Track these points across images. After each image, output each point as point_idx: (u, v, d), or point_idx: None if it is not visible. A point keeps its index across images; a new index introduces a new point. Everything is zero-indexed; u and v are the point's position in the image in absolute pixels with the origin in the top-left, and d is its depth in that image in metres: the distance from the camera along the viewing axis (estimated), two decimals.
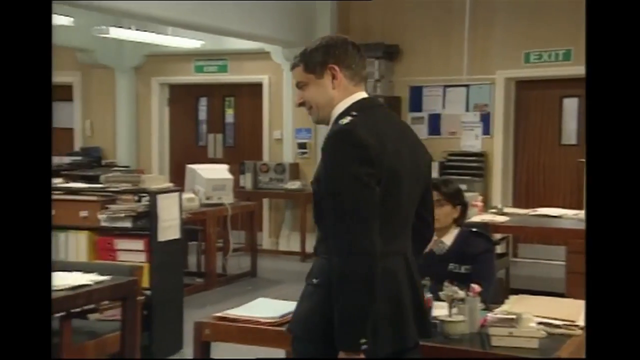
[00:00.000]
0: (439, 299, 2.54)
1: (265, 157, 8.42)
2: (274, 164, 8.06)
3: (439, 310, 2.45)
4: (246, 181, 8.01)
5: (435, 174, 7.33)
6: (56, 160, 8.35)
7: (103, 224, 4.53)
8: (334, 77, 2.06)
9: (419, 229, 2.14)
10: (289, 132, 8.19)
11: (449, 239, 3.06)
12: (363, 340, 1.87)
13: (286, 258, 7.92)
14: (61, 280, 3.13)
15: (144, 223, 4.46)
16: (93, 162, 8.46)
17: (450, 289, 2.40)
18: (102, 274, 3.27)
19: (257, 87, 8.53)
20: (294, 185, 7.86)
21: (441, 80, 7.62)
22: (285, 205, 8.29)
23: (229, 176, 6.74)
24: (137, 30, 6.92)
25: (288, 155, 8.20)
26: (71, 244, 4.64)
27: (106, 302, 3.53)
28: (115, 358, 3.32)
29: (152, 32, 7.15)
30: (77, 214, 4.58)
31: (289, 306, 2.52)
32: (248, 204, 7.15)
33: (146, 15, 5.95)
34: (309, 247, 7.87)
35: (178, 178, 6.86)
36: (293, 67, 2.13)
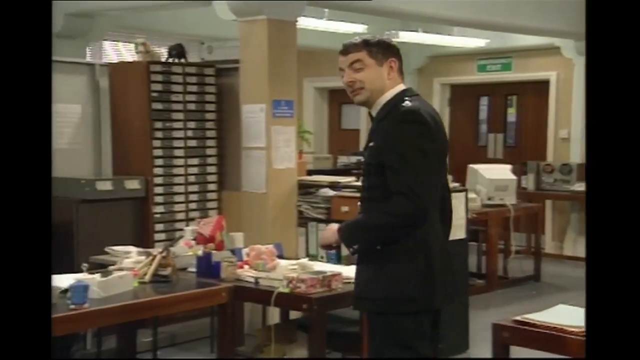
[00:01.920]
0: None
1: (549, 157, 8.06)
2: (559, 164, 7.68)
3: None
4: (528, 182, 7.74)
5: None
6: (344, 159, 8.89)
7: None
8: (391, 69, 2.44)
9: (447, 199, 2.53)
10: (577, 130, 7.73)
11: None
12: (356, 247, 2.43)
13: (572, 264, 7.48)
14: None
15: None
16: None
17: None
18: None
19: (543, 85, 8.18)
20: (582, 186, 7.40)
21: None
22: (570, 207, 7.85)
23: (512, 177, 6.60)
24: (423, 32, 7.07)
25: (575, 155, 7.75)
26: None
27: None
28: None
29: (438, 33, 7.25)
30: None
31: None
32: (531, 205, 6.91)
33: (435, 17, 6.06)
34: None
35: (457, 178, 6.87)
36: (351, 50, 2.45)
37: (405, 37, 7.04)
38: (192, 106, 5.03)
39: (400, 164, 2.32)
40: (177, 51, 5.04)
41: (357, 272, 2.52)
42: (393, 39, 7.38)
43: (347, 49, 2.46)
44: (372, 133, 2.46)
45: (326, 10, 6.08)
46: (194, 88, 5.02)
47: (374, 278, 2.41)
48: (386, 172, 2.35)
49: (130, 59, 6.43)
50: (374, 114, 2.48)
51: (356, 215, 2.59)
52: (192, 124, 5.03)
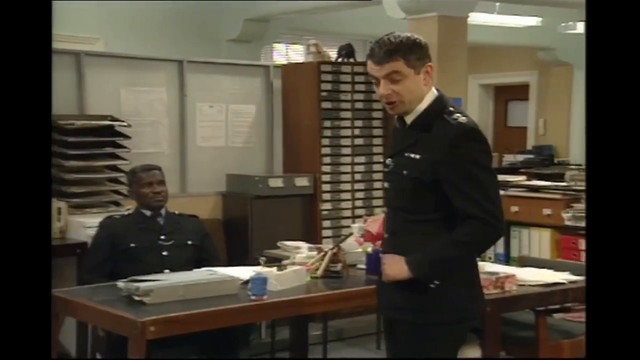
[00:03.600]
0: None
1: None
2: None
3: None
4: None
5: None
6: (510, 158, 8.62)
7: (567, 222, 4.50)
8: (427, 74, 2.24)
9: None
10: None
11: None
12: (437, 282, 2.25)
13: None
14: (535, 276, 3.21)
15: None
16: (545, 160, 8.46)
17: None
18: (573, 274, 3.25)
19: None
20: None
21: None
22: None
23: None
24: None
25: None
26: (534, 241, 4.72)
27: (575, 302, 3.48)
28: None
29: None
30: (541, 211, 4.65)
31: None
32: None
33: None
34: None
35: None
36: (385, 60, 2.18)
37: (583, 29, 6.66)
38: (359, 105, 5.09)
39: (471, 186, 2.19)
40: (347, 51, 5.12)
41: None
42: (570, 31, 7.02)
43: (380, 59, 2.20)
44: (411, 143, 2.26)
45: (497, 4, 5.90)
46: (361, 87, 5.08)
47: (419, 287, 2.26)
48: (447, 190, 2.21)
49: (297, 60, 6.64)
50: (409, 121, 2.29)
51: (390, 226, 2.38)
52: (359, 123, 5.09)
